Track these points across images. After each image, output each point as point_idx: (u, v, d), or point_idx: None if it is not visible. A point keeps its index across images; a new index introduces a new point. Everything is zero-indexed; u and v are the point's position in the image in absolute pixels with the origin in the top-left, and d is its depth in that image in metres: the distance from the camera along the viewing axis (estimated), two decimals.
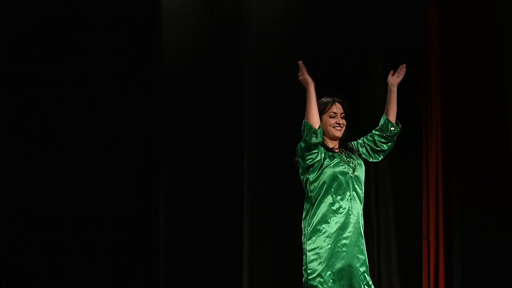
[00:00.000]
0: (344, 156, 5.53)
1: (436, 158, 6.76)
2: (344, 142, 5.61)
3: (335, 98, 5.62)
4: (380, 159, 5.70)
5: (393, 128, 5.64)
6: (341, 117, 5.58)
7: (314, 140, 5.46)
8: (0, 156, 6.85)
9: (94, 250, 7.24)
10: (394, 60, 6.84)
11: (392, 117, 5.68)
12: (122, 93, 7.09)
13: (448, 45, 6.69)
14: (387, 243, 6.90)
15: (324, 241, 5.41)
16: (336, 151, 5.57)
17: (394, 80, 5.68)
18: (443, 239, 6.62)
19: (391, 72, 5.71)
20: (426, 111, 6.81)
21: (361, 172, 5.58)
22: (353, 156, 5.55)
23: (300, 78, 5.47)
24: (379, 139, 5.67)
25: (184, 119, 7.15)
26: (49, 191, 6.89)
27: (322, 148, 5.54)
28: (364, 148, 5.68)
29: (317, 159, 5.53)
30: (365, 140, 5.69)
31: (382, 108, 5.64)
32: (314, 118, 5.49)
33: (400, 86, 5.88)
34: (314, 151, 5.51)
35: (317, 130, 5.43)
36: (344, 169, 5.51)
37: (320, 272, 5.35)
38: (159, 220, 7.22)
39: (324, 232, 5.46)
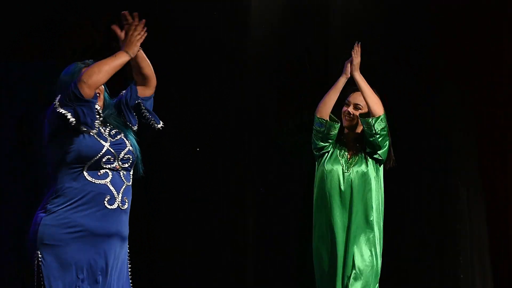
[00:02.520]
0: (345, 152, 5.38)
1: None
2: (359, 139, 5.43)
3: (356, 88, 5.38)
4: (381, 150, 5.39)
5: (365, 126, 5.32)
6: (354, 108, 5.39)
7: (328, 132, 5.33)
8: (1, 156, 6.81)
9: None
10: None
11: (374, 109, 5.29)
12: None
13: None
14: (480, 242, 6.81)
15: None
16: (344, 142, 5.38)
17: (352, 67, 5.34)
18: None
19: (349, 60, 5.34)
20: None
21: (360, 173, 5.32)
22: (358, 154, 5.39)
23: (353, 60, 5.34)
24: (367, 138, 5.37)
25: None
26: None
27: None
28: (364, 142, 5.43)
29: (327, 149, 5.39)
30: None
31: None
32: (327, 107, 5.33)
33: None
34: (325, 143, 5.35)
35: (319, 119, 5.33)
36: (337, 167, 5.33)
37: None
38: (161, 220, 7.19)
39: None
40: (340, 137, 5.49)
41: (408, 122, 6.72)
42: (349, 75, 5.36)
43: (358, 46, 5.34)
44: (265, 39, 6.95)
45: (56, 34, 6.85)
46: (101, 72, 3.99)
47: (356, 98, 5.39)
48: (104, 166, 4.08)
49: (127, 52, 4.08)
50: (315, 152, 5.45)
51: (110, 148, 4.10)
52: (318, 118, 5.37)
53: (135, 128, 4.34)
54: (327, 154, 5.40)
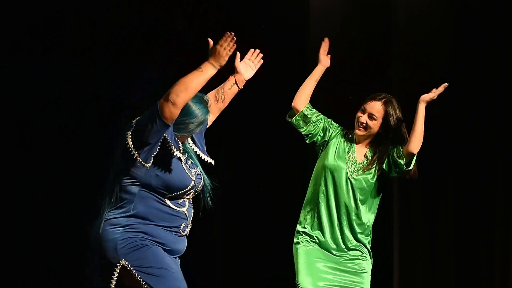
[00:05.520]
0: (354, 154, 5.05)
1: None
2: (380, 150, 5.06)
3: (382, 96, 5.10)
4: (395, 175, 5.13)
5: (402, 164, 5.01)
6: (369, 118, 5.03)
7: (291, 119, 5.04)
8: (1, 156, 6.81)
9: None
10: None
11: (412, 145, 4.95)
12: None
13: None
14: None
15: None
16: (357, 144, 5.08)
17: (424, 96, 4.99)
18: None
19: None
20: None
21: (364, 181, 5.04)
22: (370, 164, 5.04)
23: (320, 53, 5.10)
24: (394, 163, 5.06)
25: None
26: (51, 191, 6.84)
27: (339, 129, 5.16)
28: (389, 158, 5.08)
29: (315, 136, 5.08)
30: (392, 152, 5.09)
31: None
32: (299, 98, 5.03)
33: None
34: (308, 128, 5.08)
35: (293, 113, 5.04)
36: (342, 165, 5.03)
37: None
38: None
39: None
40: (348, 135, 5.17)
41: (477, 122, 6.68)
42: (327, 65, 5.13)
43: (443, 87, 4.99)
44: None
45: (56, 34, 6.84)
46: (189, 90, 3.75)
47: (373, 107, 5.03)
48: (184, 197, 4.03)
49: (213, 65, 3.84)
50: (316, 145, 5.20)
51: (195, 182, 4.03)
52: (293, 109, 5.08)
53: (211, 162, 4.16)
54: (331, 147, 5.16)
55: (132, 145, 3.86)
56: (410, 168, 5.03)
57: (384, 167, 5.09)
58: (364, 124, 5.07)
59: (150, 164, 3.88)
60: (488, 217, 6.73)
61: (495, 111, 6.72)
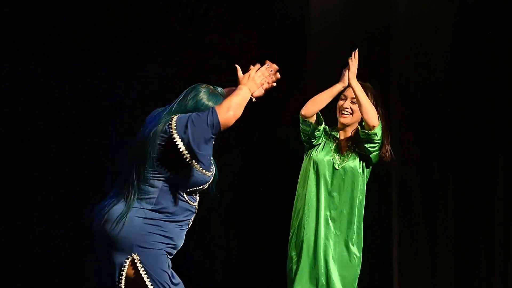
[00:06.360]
0: (338, 147, 5.16)
1: None
2: (353, 136, 5.19)
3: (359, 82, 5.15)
4: (371, 153, 5.19)
5: (366, 132, 5.09)
6: (352, 103, 5.16)
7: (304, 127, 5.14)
8: (1, 156, 6.81)
9: None
10: None
11: (366, 118, 4.99)
12: None
13: None
14: None
15: None
16: (337, 138, 5.20)
17: (349, 76, 5.07)
18: None
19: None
20: None
21: (351, 171, 5.14)
22: (351, 152, 5.15)
23: (350, 68, 5.09)
24: (362, 135, 5.13)
25: None
26: (51, 191, 6.84)
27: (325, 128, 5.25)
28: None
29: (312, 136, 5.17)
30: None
31: None
32: (313, 109, 5.09)
33: None
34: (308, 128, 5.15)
35: (303, 119, 5.13)
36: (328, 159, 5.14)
37: None
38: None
39: None
40: (331, 132, 5.31)
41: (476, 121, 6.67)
42: (347, 84, 5.18)
43: (356, 54, 5.13)
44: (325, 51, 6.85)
45: (56, 34, 6.84)
46: (241, 108, 3.98)
47: (353, 92, 5.14)
48: (199, 191, 4.10)
49: (249, 89, 4.04)
50: (305, 144, 5.30)
51: (212, 178, 4.11)
52: (302, 116, 5.20)
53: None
54: (318, 146, 5.24)
55: (188, 154, 3.91)
56: (378, 137, 5.08)
57: (358, 149, 5.20)
58: (349, 109, 5.16)
59: (212, 172, 4.00)
60: (488, 217, 6.73)
61: (495, 111, 6.72)
